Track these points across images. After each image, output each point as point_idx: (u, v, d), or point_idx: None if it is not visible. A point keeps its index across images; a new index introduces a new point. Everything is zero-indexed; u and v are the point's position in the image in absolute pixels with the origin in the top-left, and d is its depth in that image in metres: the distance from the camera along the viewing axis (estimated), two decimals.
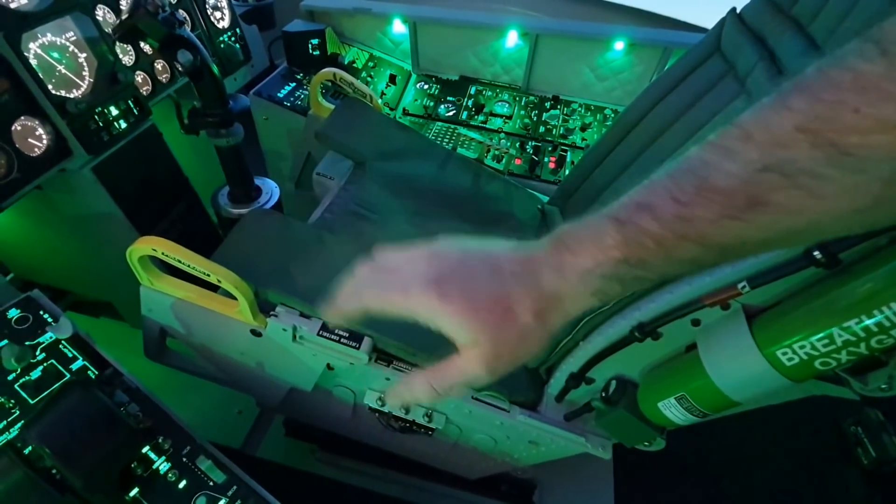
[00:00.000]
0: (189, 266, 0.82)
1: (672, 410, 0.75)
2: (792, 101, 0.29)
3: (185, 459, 0.77)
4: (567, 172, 1.55)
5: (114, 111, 1.13)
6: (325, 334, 0.89)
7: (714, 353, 0.66)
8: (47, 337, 0.86)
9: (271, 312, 0.91)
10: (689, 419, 0.74)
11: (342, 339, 0.89)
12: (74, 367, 0.83)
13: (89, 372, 0.83)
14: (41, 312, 0.89)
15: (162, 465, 0.75)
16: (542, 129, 1.70)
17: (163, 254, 0.81)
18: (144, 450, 0.76)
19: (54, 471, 0.69)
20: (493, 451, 1.11)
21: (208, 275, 0.82)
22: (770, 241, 0.32)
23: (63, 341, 0.85)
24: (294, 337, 0.90)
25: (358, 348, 0.89)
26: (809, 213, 0.29)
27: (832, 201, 0.28)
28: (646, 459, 0.95)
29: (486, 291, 0.38)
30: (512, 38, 1.70)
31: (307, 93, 1.67)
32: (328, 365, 0.96)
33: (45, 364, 0.82)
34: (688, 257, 0.34)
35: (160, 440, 0.77)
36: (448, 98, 1.80)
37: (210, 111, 1.10)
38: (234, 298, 0.87)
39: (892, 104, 0.25)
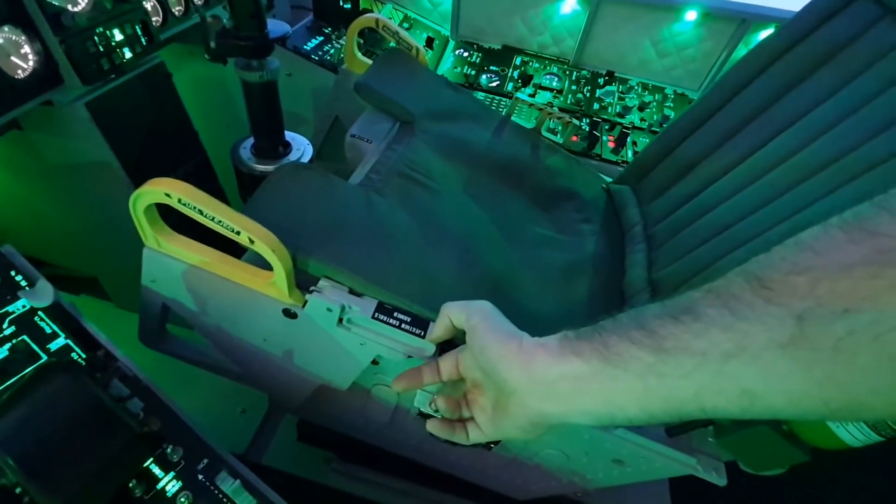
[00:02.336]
0: (214, 220, 0.62)
1: (849, 428, 0.58)
2: None
3: (201, 477, 0.57)
4: (629, 153, 1.38)
5: (118, 35, 0.91)
6: (382, 317, 0.70)
7: None
8: (19, 305, 0.65)
9: (312, 288, 0.71)
10: (871, 439, 0.57)
11: (403, 325, 0.70)
12: (54, 346, 0.62)
13: (73, 354, 0.62)
14: (12, 273, 0.69)
15: (170, 485, 0.55)
16: (595, 106, 1.53)
17: (179, 201, 0.61)
18: (147, 462, 0.56)
19: (19, 490, 0.49)
20: (560, 470, 0.93)
21: (238, 233, 0.63)
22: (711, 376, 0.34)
23: (40, 311, 0.65)
24: (340, 320, 0.71)
25: (423, 336, 0.69)
26: (733, 333, 0.32)
27: (750, 325, 0.32)
28: (705, 485, 0.78)
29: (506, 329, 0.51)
30: (570, 3, 1.52)
31: (336, 48, 1.47)
32: (374, 358, 0.77)
33: (14, 340, 0.61)
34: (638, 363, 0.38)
35: (168, 449, 0.57)
36: (491, 67, 1.61)
37: (244, 33, 0.90)
38: (265, 268, 0.68)
39: (810, 252, 0.30)
